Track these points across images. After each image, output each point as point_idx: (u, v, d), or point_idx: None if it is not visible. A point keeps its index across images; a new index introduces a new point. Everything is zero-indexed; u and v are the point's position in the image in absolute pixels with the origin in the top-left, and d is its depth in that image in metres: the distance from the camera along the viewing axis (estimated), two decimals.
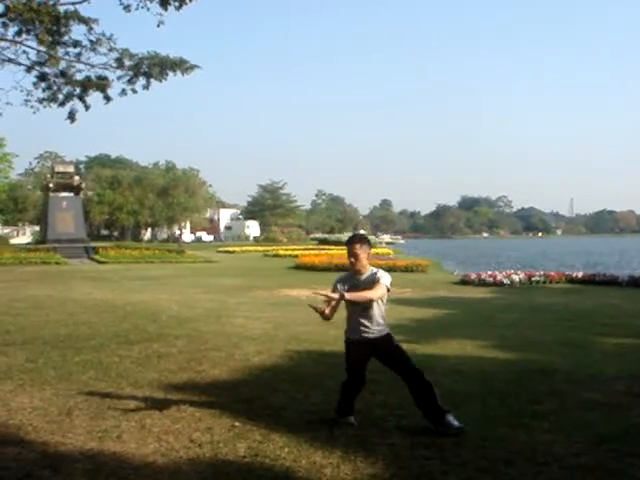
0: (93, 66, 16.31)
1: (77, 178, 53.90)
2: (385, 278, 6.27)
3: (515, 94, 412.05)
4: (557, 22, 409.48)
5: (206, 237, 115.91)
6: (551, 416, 6.81)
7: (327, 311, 6.22)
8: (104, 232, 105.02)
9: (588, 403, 7.36)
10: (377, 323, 6.36)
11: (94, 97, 16.73)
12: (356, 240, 6.39)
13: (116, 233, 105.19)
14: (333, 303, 6.19)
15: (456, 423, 6.17)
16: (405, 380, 6.39)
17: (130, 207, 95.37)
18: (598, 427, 6.45)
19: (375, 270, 6.37)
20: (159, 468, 5.27)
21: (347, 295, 6.02)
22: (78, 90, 16.55)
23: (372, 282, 6.27)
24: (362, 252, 6.32)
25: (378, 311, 6.35)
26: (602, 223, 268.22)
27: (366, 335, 6.33)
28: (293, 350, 10.58)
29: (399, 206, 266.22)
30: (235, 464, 5.39)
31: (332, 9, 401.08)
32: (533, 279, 26.92)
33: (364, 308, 6.28)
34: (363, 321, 6.33)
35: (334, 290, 6.28)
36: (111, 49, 16.02)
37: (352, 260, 6.33)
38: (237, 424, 6.46)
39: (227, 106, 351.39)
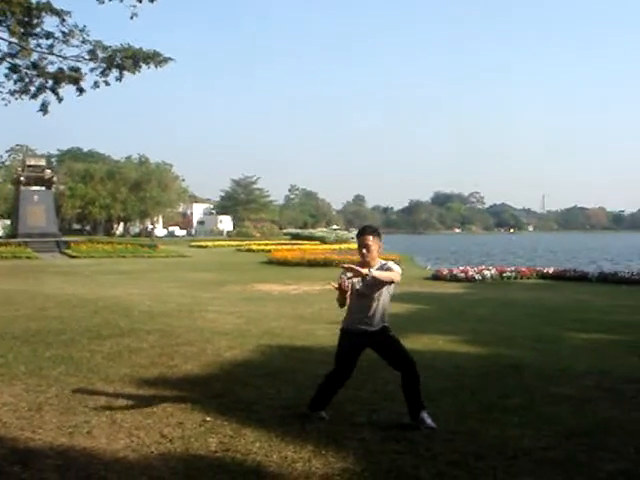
0: (65, 58, 16.18)
1: (49, 172, 53.41)
2: (397, 268, 6.25)
3: (489, 91, 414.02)
4: (531, 14, 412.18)
5: (179, 232, 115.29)
6: (521, 410, 6.87)
7: (348, 294, 6.12)
8: (76, 226, 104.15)
9: (558, 398, 7.43)
10: (381, 315, 6.37)
11: (67, 89, 16.61)
12: (368, 231, 6.32)
13: (88, 227, 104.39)
14: (351, 286, 6.12)
15: (429, 421, 6.19)
16: (399, 370, 6.38)
17: (102, 201, 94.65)
18: (567, 421, 6.51)
19: (384, 262, 6.32)
20: (130, 463, 5.25)
21: (374, 272, 5.93)
22: (50, 82, 16.40)
23: (384, 269, 6.24)
24: (374, 244, 6.25)
25: (386, 303, 6.38)
26: (573, 219, 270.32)
27: (367, 327, 6.31)
28: (265, 345, 10.58)
29: (372, 201, 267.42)
30: (206, 459, 5.38)
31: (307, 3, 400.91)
32: (504, 275, 27.13)
33: (373, 299, 6.26)
34: (368, 313, 6.30)
35: (340, 280, 6.13)
36: (84, 41, 15.90)
37: (364, 251, 6.21)
38: (208, 419, 6.44)
39: (201, 100, 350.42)
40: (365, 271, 5.90)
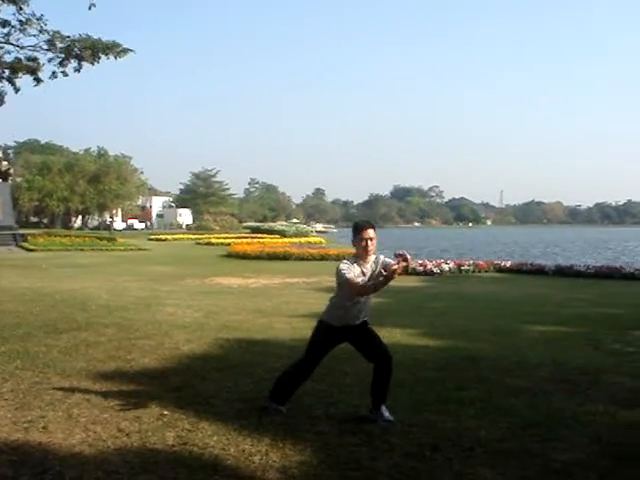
0: (23, 47, 15.96)
1: (5, 163, 52.51)
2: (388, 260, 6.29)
3: (447, 85, 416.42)
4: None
5: (138, 225, 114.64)
6: (477, 402, 6.93)
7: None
8: (33, 219, 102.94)
9: (513, 389, 7.52)
10: (368, 309, 6.43)
11: (24, 80, 16.39)
12: (371, 225, 6.29)
13: (46, 220, 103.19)
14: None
15: (387, 414, 6.24)
16: (375, 361, 6.39)
17: (60, 194, 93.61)
18: (523, 412, 6.60)
19: (376, 255, 6.33)
20: (86, 458, 5.21)
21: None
22: (7, 72, 16.17)
23: (377, 265, 6.25)
24: (375, 237, 6.26)
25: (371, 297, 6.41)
26: (531, 213, 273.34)
27: (354, 322, 6.32)
28: (223, 338, 10.55)
29: (332, 195, 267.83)
30: (163, 453, 5.36)
31: None
32: (463, 268, 27.31)
33: (369, 296, 6.29)
34: (361, 308, 6.32)
35: (348, 269, 6.06)
36: (41, 30, 15.69)
37: (369, 244, 6.15)
38: (166, 413, 6.42)
39: (160, 93, 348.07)
40: (409, 256, 5.87)
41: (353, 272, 6.08)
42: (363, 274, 6.16)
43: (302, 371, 6.47)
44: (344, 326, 6.31)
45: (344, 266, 6.10)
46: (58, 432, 5.84)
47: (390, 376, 6.35)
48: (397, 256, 5.85)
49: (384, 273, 5.98)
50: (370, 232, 6.19)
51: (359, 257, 6.22)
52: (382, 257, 6.33)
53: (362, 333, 6.41)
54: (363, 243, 6.16)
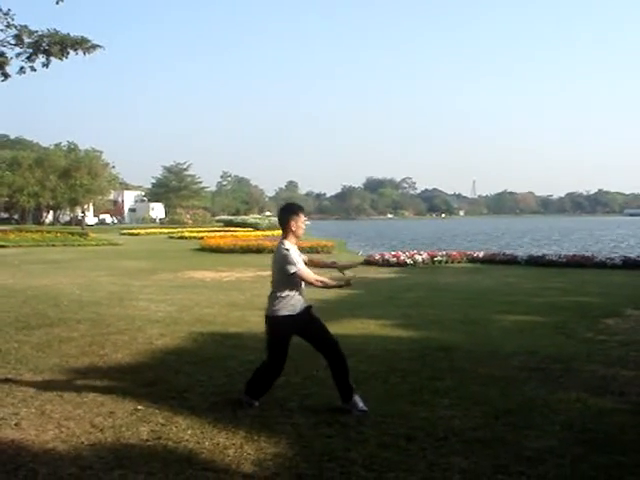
0: None
1: None
2: None
3: (419, 77, 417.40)
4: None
5: (110, 219, 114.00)
6: (451, 392, 6.98)
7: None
8: (3, 215, 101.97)
9: (486, 378, 7.58)
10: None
11: None
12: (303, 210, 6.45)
13: (16, 216, 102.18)
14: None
15: (361, 404, 6.26)
16: (323, 351, 6.41)
17: (31, 189, 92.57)
18: (495, 402, 6.65)
19: None
20: (59, 454, 5.19)
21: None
22: None
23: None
24: None
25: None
26: (503, 204, 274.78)
27: (300, 309, 6.33)
28: (197, 332, 10.53)
29: (305, 188, 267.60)
30: (137, 448, 5.35)
31: None
32: (436, 259, 27.40)
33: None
34: (303, 294, 6.40)
35: (297, 256, 6.23)
36: (9, 25, 15.48)
37: (303, 228, 6.35)
38: (140, 407, 6.41)
39: (130, 87, 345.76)
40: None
41: (301, 260, 6.25)
42: (299, 255, 6.31)
43: (272, 371, 6.44)
44: (296, 315, 6.31)
45: (293, 254, 6.17)
46: (31, 429, 5.81)
47: (342, 363, 6.35)
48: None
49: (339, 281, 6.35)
50: (303, 217, 6.40)
51: (295, 239, 6.36)
52: None
53: (308, 321, 6.42)
54: (303, 226, 6.35)
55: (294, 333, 6.43)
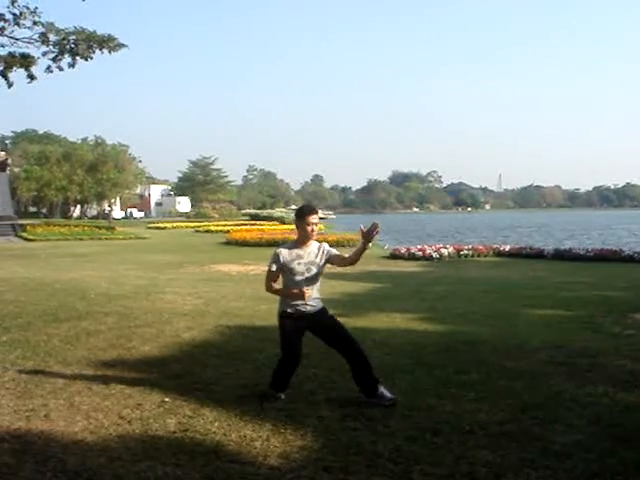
0: (17, 39, 15.82)
1: (3, 154, 52.65)
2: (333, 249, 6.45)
3: (444, 69, 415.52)
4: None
5: (137, 213, 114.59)
6: (477, 385, 6.96)
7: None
8: (32, 209, 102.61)
9: (513, 372, 7.54)
10: (316, 296, 6.42)
11: (19, 72, 16.25)
12: (316, 211, 6.43)
13: (44, 210, 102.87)
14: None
15: (388, 394, 6.26)
16: (342, 351, 6.42)
17: (58, 183, 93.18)
18: (522, 395, 6.62)
19: (320, 243, 6.43)
20: (88, 446, 5.23)
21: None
22: (1, 67, 16.04)
23: (324, 254, 6.34)
24: (319, 223, 6.43)
25: (319, 283, 6.43)
26: (530, 198, 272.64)
27: (304, 309, 6.32)
28: (224, 325, 10.58)
29: (331, 181, 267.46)
30: (165, 439, 5.39)
31: None
32: (462, 253, 27.36)
33: (312, 279, 6.30)
34: (313, 293, 6.37)
35: (276, 261, 6.28)
36: (35, 23, 15.55)
37: (313, 229, 6.30)
38: (167, 400, 6.44)
39: (157, 81, 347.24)
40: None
41: (286, 259, 6.28)
42: (300, 257, 6.27)
43: (286, 365, 6.48)
44: (299, 314, 6.33)
45: (273, 256, 6.34)
46: (60, 420, 5.86)
47: (366, 358, 6.37)
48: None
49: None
50: (315, 218, 6.33)
51: (300, 242, 6.37)
52: (326, 245, 6.45)
53: (321, 322, 6.43)
54: (308, 228, 6.28)
55: (301, 330, 6.44)
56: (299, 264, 6.24)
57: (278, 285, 6.42)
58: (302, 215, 6.32)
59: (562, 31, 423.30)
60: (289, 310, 6.36)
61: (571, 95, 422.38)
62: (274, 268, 6.31)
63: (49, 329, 10.18)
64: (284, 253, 6.30)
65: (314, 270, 6.30)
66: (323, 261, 6.34)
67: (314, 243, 6.37)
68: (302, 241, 6.34)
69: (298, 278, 6.26)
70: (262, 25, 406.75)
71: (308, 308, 6.34)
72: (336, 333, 6.47)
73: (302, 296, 6.20)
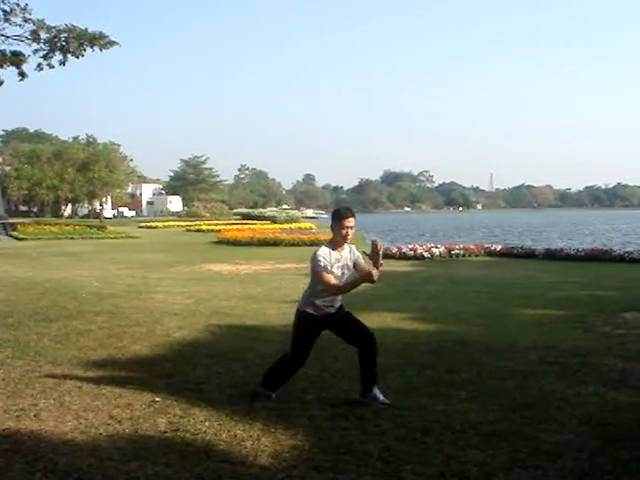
0: (7, 37, 15.77)
1: None
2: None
3: (435, 69, 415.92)
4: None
5: (128, 212, 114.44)
6: (468, 385, 6.97)
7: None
8: (23, 208, 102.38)
9: (504, 372, 7.56)
10: (340, 297, 6.40)
11: (10, 70, 16.20)
12: (353, 213, 6.33)
13: (35, 209, 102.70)
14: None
15: (382, 397, 6.27)
16: (358, 344, 6.38)
17: (50, 182, 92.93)
18: (513, 395, 6.63)
19: (350, 246, 6.38)
20: (78, 445, 5.22)
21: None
22: None
23: (355, 257, 6.32)
24: (355, 225, 6.30)
25: None
26: (521, 197, 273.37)
27: (330, 310, 6.31)
28: (215, 325, 10.57)
29: (322, 181, 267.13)
30: (155, 439, 5.38)
31: None
32: (453, 252, 27.36)
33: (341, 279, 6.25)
34: (335, 297, 6.33)
35: (325, 258, 6.09)
36: (26, 20, 15.48)
37: (349, 232, 6.19)
38: (158, 399, 6.43)
39: (149, 79, 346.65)
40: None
41: (329, 260, 6.10)
42: (338, 260, 6.19)
43: (293, 365, 6.46)
44: (327, 315, 6.30)
45: (321, 254, 6.10)
46: (50, 420, 5.84)
47: (377, 355, 6.35)
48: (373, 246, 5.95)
49: (361, 272, 6.17)
50: (352, 221, 6.23)
51: (335, 245, 6.24)
52: (355, 248, 6.41)
53: (340, 318, 6.40)
54: (344, 232, 6.18)
55: (319, 333, 6.43)
56: (337, 267, 6.17)
57: (334, 280, 6.17)
58: (338, 218, 6.23)
59: (560, 29, 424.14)
60: (314, 312, 6.29)
61: (562, 96, 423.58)
62: (327, 265, 6.09)
63: (39, 328, 10.15)
64: (329, 254, 6.17)
65: (347, 273, 6.26)
66: (352, 264, 6.31)
67: (346, 246, 6.32)
68: (338, 244, 6.23)
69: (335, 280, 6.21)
70: (253, 25, 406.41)
71: (332, 310, 6.33)
72: (354, 327, 6.45)
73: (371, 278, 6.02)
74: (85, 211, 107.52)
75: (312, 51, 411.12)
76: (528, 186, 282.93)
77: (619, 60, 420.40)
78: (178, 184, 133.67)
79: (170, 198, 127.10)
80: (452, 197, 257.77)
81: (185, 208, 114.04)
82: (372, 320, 10.88)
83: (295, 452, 5.09)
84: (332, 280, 6.08)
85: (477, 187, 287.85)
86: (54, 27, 15.68)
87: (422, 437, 5.40)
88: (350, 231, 6.20)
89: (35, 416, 5.96)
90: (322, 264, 6.05)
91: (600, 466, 4.81)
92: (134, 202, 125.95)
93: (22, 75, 15.98)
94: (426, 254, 26.41)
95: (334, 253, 6.18)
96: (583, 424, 5.74)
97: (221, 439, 5.38)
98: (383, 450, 5.10)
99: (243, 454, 5.06)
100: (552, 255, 26.48)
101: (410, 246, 28.91)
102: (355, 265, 6.31)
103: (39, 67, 15.96)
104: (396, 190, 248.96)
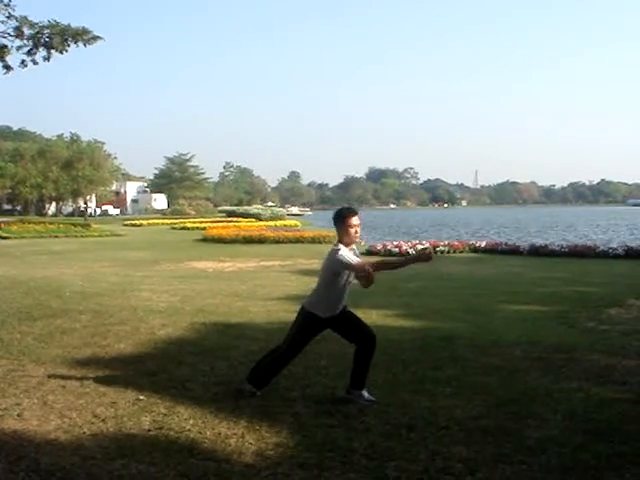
0: None
1: None
2: None
3: (418, 64, 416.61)
4: None
5: (112, 210, 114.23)
6: (453, 381, 6.99)
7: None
8: (6, 207, 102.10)
9: (488, 368, 7.58)
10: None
11: None
12: (357, 212, 6.27)
13: (19, 207, 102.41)
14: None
15: (367, 395, 6.29)
16: (358, 342, 6.39)
17: (33, 180, 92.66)
18: (497, 391, 6.65)
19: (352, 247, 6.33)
20: (61, 445, 5.20)
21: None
22: None
23: (357, 255, 6.28)
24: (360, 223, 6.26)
25: None
26: (506, 194, 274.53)
27: (336, 312, 6.30)
28: (199, 322, 10.54)
29: (307, 178, 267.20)
30: (139, 437, 5.36)
31: None
32: (438, 249, 27.34)
33: (350, 283, 6.26)
34: (345, 296, 6.33)
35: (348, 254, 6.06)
36: (9, 16, 15.38)
37: (357, 231, 6.16)
38: (142, 398, 6.42)
39: (133, 76, 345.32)
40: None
41: (350, 256, 6.05)
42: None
43: (284, 360, 6.46)
44: (330, 317, 6.28)
45: (342, 253, 6.01)
46: (33, 419, 5.82)
47: (370, 355, 6.38)
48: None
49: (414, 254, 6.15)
50: (356, 219, 6.17)
51: (345, 244, 6.16)
52: (354, 247, 6.37)
53: (342, 316, 6.39)
54: (352, 230, 6.12)
55: (320, 332, 6.45)
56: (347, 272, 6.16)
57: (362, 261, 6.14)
58: (342, 217, 6.16)
59: (546, 26, 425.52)
60: (320, 315, 6.25)
61: (546, 93, 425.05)
62: (353, 259, 6.05)
63: (23, 327, 10.10)
64: (347, 251, 6.11)
65: (353, 274, 6.23)
66: None
67: (354, 246, 6.28)
68: (347, 244, 6.15)
69: (342, 282, 6.18)
70: (242, 21, 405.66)
71: (337, 312, 6.32)
72: (355, 325, 6.46)
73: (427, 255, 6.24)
74: (69, 209, 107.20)
75: (297, 48, 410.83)
76: (513, 183, 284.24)
77: (602, 58, 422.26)
78: (163, 182, 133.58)
79: (155, 196, 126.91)
80: (437, 194, 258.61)
81: (170, 206, 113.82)
82: None
83: (280, 449, 5.09)
84: (362, 262, 6.09)
85: (462, 184, 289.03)
86: (37, 23, 15.57)
87: (407, 433, 5.41)
88: (358, 229, 6.17)
89: (18, 415, 5.94)
90: (347, 258, 5.99)
91: (584, 461, 4.84)
92: (119, 200, 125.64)
93: (7, 68, 15.85)
94: (411, 251, 26.38)
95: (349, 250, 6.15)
96: (567, 419, 5.77)
97: (205, 437, 5.37)
98: (368, 447, 5.11)
99: (227, 452, 5.06)
100: (536, 251, 26.52)
101: (395, 243, 28.94)
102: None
103: (23, 64, 15.82)
104: (381, 187, 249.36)
